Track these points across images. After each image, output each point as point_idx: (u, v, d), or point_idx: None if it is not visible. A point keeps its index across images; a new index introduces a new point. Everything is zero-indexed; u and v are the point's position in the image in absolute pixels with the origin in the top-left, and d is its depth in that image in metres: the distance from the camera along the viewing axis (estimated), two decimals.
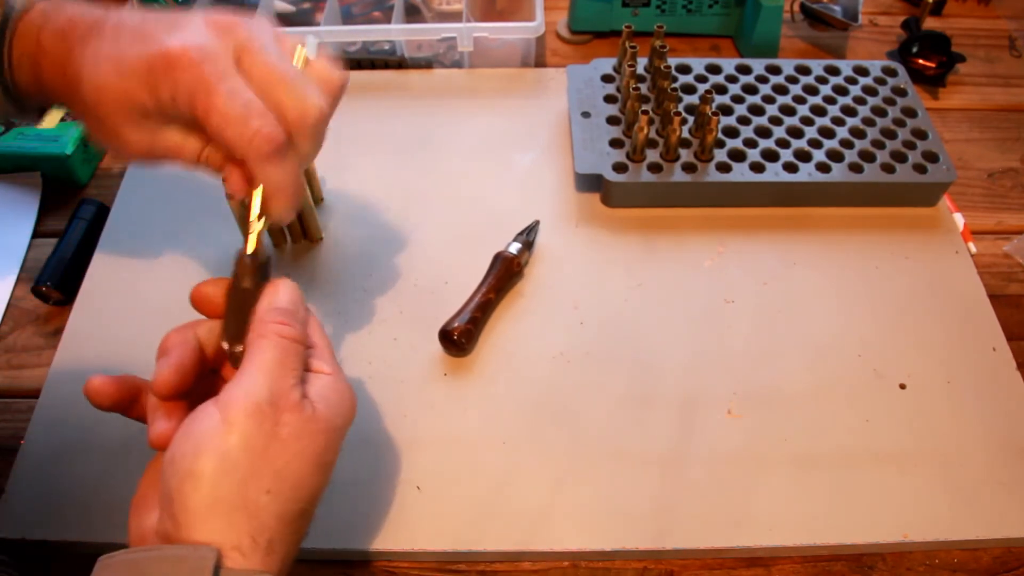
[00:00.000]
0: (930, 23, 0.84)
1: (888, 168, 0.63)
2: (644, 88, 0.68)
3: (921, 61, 0.78)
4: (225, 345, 0.38)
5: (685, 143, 0.63)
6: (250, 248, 0.38)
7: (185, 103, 0.37)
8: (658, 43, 0.67)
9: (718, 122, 0.61)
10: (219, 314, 0.39)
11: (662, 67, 0.65)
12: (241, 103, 0.36)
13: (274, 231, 0.60)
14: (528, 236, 0.60)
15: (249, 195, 0.39)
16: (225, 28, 0.38)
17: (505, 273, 0.57)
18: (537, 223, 0.61)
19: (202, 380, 0.39)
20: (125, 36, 0.38)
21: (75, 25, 0.39)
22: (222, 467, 0.32)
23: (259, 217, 0.38)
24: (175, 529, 0.32)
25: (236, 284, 0.38)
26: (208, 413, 0.33)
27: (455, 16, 0.81)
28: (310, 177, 0.59)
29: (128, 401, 0.38)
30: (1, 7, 0.40)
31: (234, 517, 0.32)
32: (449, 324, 0.54)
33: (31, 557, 0.47)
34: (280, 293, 0.37)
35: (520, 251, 0.58)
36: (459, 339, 0.53)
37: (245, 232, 0.39)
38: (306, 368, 0.37)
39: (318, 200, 0.61)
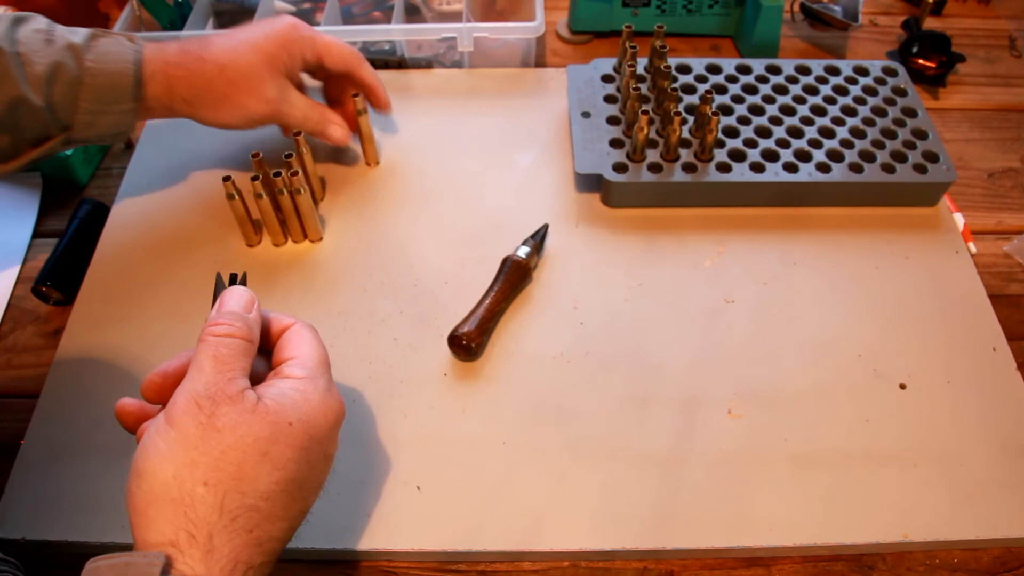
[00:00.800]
0: (930, 23, 0.84)
1: (888, 168, 0.63)
2: (644, 88, 0.68)
3: (921, 61, 0.78)
4: None
5: (685, 143, 0.63)
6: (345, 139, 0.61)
7: (310, 48, 0.58)
8: (658, 43, 0.67)
9: (718, 122, 0.61)
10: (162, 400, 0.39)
11: (662, 67, 0.65)
12: (335, 39, 0.61)
13: (274, 231, 0.60)
14: (537, 239, 0.59)
15: (351, 104, 0.62)
16: (296, 26, 0.59)
17: (516, 277, 0.57)
18: (546, 227, 0.61)
19: None
20: (236, 34, 0.56)
21: (187, 48, 0.55)
22: (159, 462, 0.33)
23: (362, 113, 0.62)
24: (133, 530, 0.33)
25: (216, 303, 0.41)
26: (157, 416, 0.35)
27: (455, 16, 0.81)
28: (305, 213, 0.60)
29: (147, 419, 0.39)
30: (131, 41, 0.54)
31: (169, 511, 0.32)
32: (459, 329, 0.54)
33: (31, 557, 0.47)
34: (226, 300, 0.39)
35: (529, 255, 0.58)
36: (470, 345, 0.53)
37: (360, 131, 0.64)
38: (277, 374, 0.38)
39: (316, 239, 0.62)
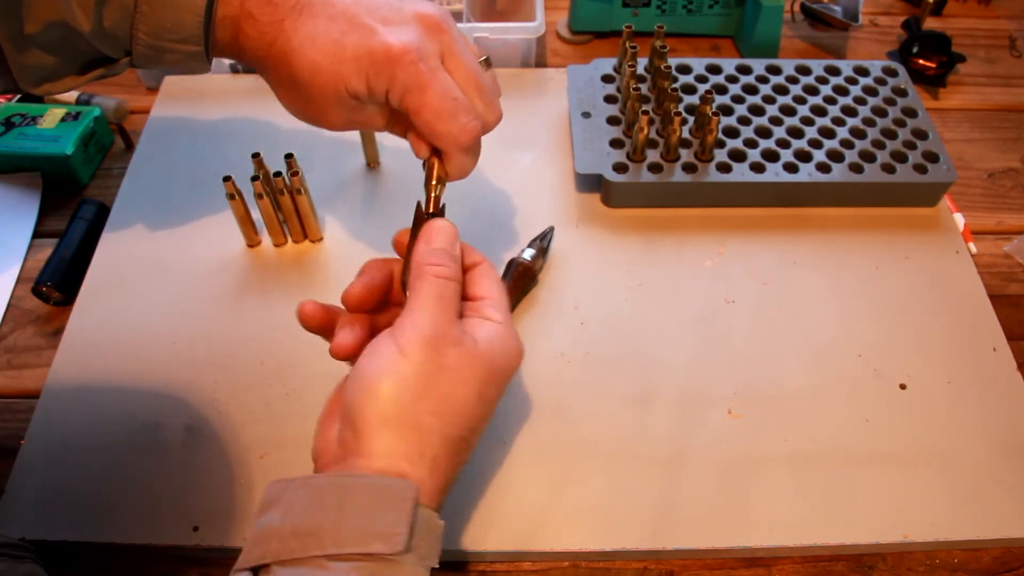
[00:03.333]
0: (930, 23, 0.84)
1: (888, 168, 0.63)
2: (644, 88, 0.68)
3: (921, 61, 0.78)
4: (404, 287, 0.41)
5: (685, 143, 0.63)
6: (430, 208, 0.44)
7: (397, 96, 0.41)
8: (658, 43, 0.67)
9: (718, 122, 0.61)
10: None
11: (662, 67, 0.65)
12: (451, 100, 0.41)
13: (274, 231, 0.60)
14: (543, 243, 0.59)
15: (432, 163, 0.45)
16: (435, 27, 0.42)
17: (522, 281, 0.57)
18: (551, 229, 0.61)
19: (387, 309, 0.44)
20: (340, 21, 0.41)
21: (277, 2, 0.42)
22: (396, 388, 0.36)
23: (438, 182, 0.45)
24: (354, 438, 0.36)
25: (413, 235, 0.42)
26: (386, 342, 0.37)
27: (455, 16, 0.81)
28: (305, 213, 0.60)
29: (329, 325, 0.42)
30: None
31: (404, 432, 0.36)
32: None
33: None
34: (434, 236, 0.41)
35: (535, 258, 0.58)
36: None
37: (427, 194, 0.45)
38: (476, 312, 0.40)
39: (316, 239, 0.62)
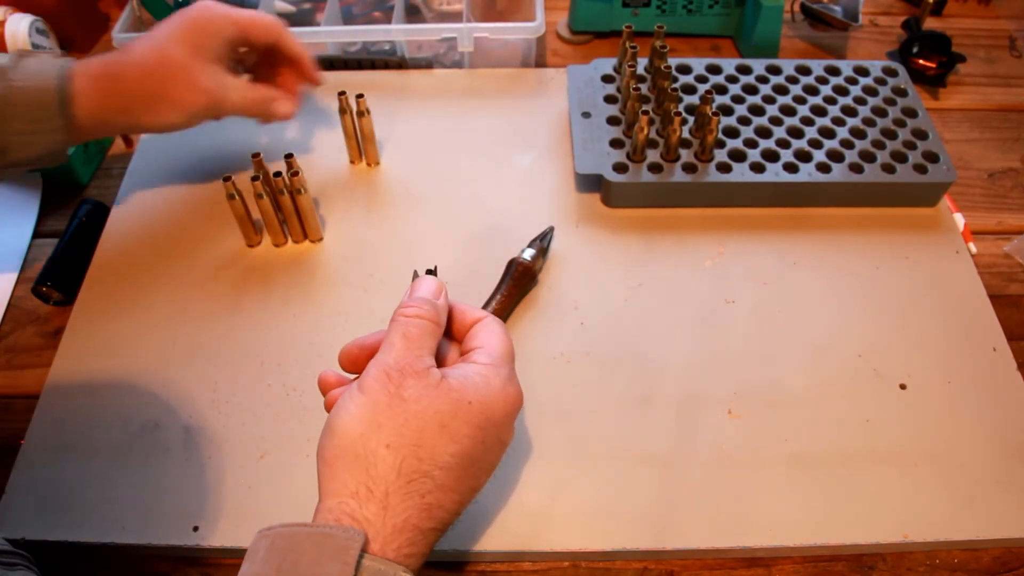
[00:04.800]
0: (930, 23, 0.84)
1: (888, 168, 0.63)
2: (644, 88, 0.68)
3: (921, 61, 0.78)
4: None
5: (685, 143, 0.63)
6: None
7: (230, 25, 0.55)
8: (658, 43, 0.67)
9: (718, 122, 0.61)
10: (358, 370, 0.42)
11: (662, 67, 0.65)
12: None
13: (274, 231, 0.60)
14: (543, 242, 0.59)
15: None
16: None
17: (523, 281, 0.57)
18: (551, 229, 0.61)
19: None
20: (157, 35, 0.54)
21: (108, 60, 0.53)
22: (349, 421, 0.36)
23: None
24: (319, 480, 0.36)
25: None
26: (351, 384, 0.38)
27: (455, 16, 0.81)
28: (305, 213, 0.60)
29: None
30: (58, 58, 0.53)
31: (353, 465, 0.35)
32: None
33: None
34: (418, 286, 0.42)
35: (535, 258, 0.58)
36: None
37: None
38: (464, 359, 0.41)
39: (316, 239, 0.62)
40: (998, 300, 0.59)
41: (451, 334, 0.43)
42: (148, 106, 0.54)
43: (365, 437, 0.35)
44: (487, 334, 0.41)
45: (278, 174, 0.56)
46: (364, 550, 0.33)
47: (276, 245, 0.61)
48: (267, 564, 0.33)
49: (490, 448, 0.38)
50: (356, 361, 0.41)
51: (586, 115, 0.67)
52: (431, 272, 0.45)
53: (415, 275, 0.45)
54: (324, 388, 0.42)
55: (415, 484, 0.35)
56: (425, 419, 0.36)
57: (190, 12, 0.55)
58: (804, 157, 0.63)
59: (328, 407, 0.40)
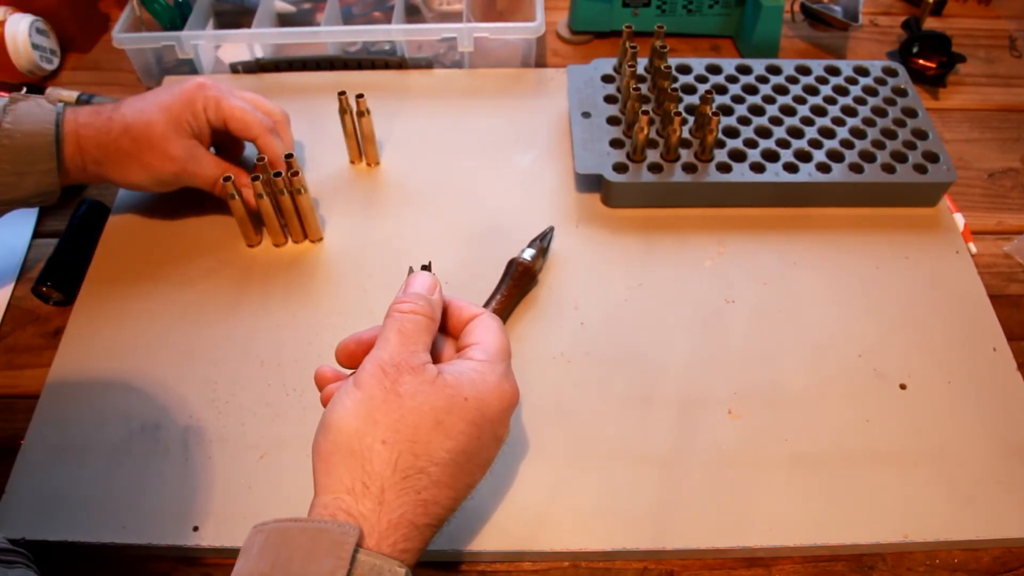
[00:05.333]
0: (930, 23, 0.84)
1: (888, 168, 0.63)
2: (644, 88, 0.68)
3: (921, 61, 0.78)
4: None
5: (685, 143, 0.63)
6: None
7: (212, 109, 0.57)
8: (658, 43, 0.67)
9: (718, 122, 0.61)
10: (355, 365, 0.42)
11: (662, 67, 0.65)
12: (246, 104, 0.59)
13: (274, 231, 0.60)
14: (543, 242, 0.59)
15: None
16: (203, 86, 0.57)
17: (523, 281, 0.57)
18: (551, 229, 0.61)
19: None
20: (146, 96, 0.57)
21: (100, 110, 0.56)
22: (344, 416, 0.36)
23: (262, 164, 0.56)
24: (314, 475, 0.36)
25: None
26: (347, 380, 0.38)
27: (455, 16, 0.81)
28: (305, 213, 0.60)
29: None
30: (51, 103, 0.55)
31: (348, 460, 0.35)
32: None
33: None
34: (412, 282, 0.42)
35: (535, 258, 0.58)
36: None
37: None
38: (460, 356, 0.40)
39: (316, 239, 0.62)
40: (998, 300, 0.59)
41: (447, 330, 0.43)
42: (119, 163, 0.55)
43: (361, 433, 0.35)
44: (483, 330, 0.41)
45: (278, 174, 0.56)
46: (359, 545, 0.33)
47: (276, 245, 0.61)
48: (262, 560, 0.33)
49: (486, 444, 0.38)
50: (353, 356, 0.41)
51: (586, 115, 0.67)
52: (426, 268, 0.45)
53: (410, 271, 0.45)
54: (320, 383, 0.42)
55: (411, 480, 0.35)
56: (421, 415, 0.36)
57: (184, 87, 0.57)
58: (804, 157, 0.63)
59: (324, 402, 0.40)
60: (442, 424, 0.36)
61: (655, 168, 0.62)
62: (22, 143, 0.52)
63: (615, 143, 0.64)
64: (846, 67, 0.71)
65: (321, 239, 0.62)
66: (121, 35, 0.71)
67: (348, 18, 0.81)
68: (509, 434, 0.40)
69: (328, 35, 0.74)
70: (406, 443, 0.35)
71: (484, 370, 0.39)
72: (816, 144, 0.64)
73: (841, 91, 0.69)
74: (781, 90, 0.69)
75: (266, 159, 0.57)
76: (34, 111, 0.53)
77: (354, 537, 0.33)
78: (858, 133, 0.65)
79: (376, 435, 0.35)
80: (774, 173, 0.62)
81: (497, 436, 0.39)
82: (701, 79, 0.69)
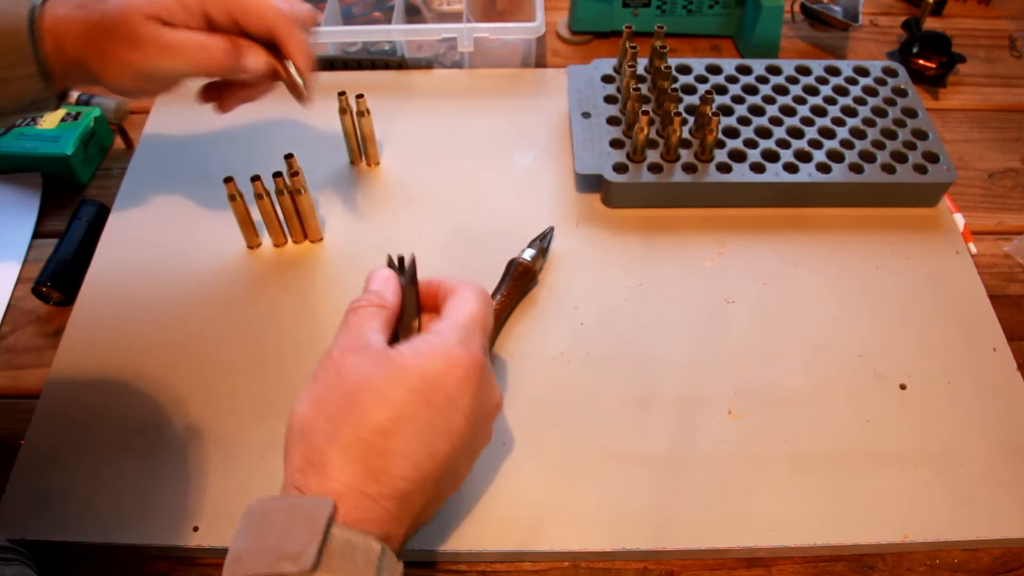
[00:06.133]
0: (930, 23, 0.84)
1: (888, 168, 0.63)
2: (644, 88, 0.68)
3: (921, 61, 0.78)
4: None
5: (685, 143, 0.63)
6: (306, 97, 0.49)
7: (222, 5, 0.46)
8: (658, 43, 0.67)
9: (718, 122, 0.61)
10: None
11: (662, 67, 0.65)
12: None
13: (274, 231, 0.60)
14: (543, 243, 0.59)
15: (279, 66, 0.48)
16: None
17: (523, 281, 0.57)
18: (552, 229, 0.61)
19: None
20: None
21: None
22: (298, 406, 0.38)
23: (289, 78, 0.49)
24: (284, 464, 0.37)
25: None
26: None
27: (455, 16, 0.81)
28: (305, 213, 0.60)
29: None
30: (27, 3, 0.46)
31: (299, 444, 0.37)
32: None
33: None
34: (367, 281, 0.44)
35: (535, 258, 0.58)
36: None
37: (295, 92, 0.49)
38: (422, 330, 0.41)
39: (316, 239, 0.62)
40: (998, 300, 0.59)
41: (438, 310, 0.43)
42: (100, 63, 0.47)
43: (309, 416, 0.37)
44: (455, 304, 0.42)
45: (278, 174, 0.56)
46: (332, 519, 0.33)
47: (276, 245, 0.61)
48: (246, 539, 0.34)
49: (441, 412, 0.37)
50: None
51: (586, 115, 0.67)
52: (402, 260, 0.45)
53: (388, 260, 0.45)
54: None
55: (352, 451, 0.35)
56: (359, 387, 0.37)
57: None
58: (804, 157, 0.63)
59: None
60: (380, 392, 0.36)
61: (655, 168, 0.62)
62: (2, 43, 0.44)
63: (615, 143, 0.64)
64: (846, 67, 0.71)
65: (321, 239, 0.62)
66: None
67: (348, 18, 0.81)
68: (497, 422, 0.41)
69: (328, 35, 0.74)
70: (346, 416, 0.36)
71: (435, 340, 0.39)
72: (816, 144, 0.64)
73: (841, 91, 0.69)
74: (781, 90, 0.69)
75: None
76: (5, 4, 0.45)
77: (327, 511, 0.33)
78: (858, 133, 0.65)
79: (320, 415, 0.36)
80: (774, 173, 0.62)
81: (455, 403, 0.38)
82: (701, 79, 0.69)
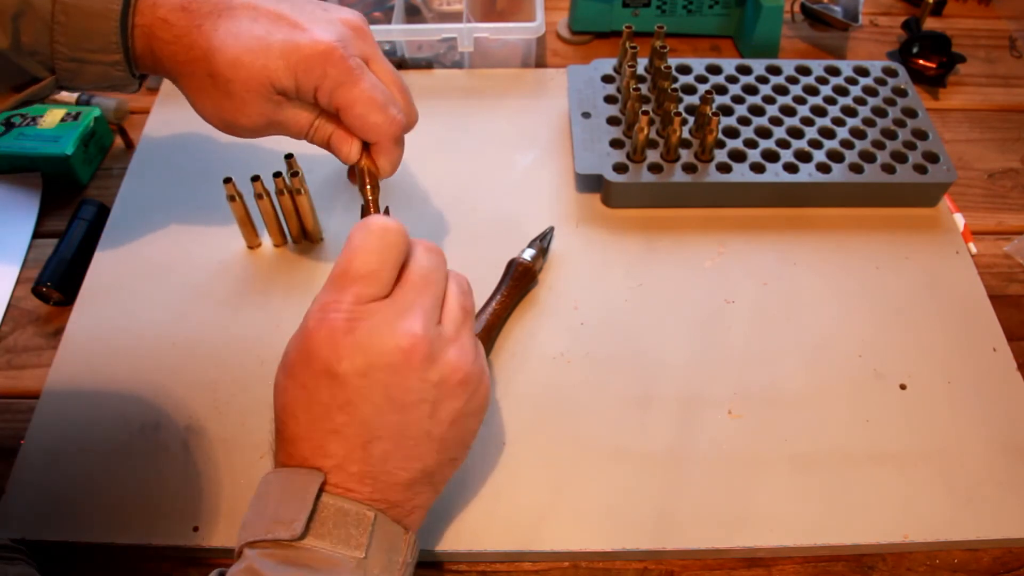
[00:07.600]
0: (930, 23, 0.84)
1: (888, 168, 0.63)
2: (644, 88, 0.68)
3: (921, 61, 0.78)
4: None
5: (685, 143, 0.63)
6: (371, 211, 0.47)
7: (327, 92, 0.43)
8: (658, 43, 0.67)
9: (718, 122, 0.61)
10: None
11: (662, 67, 0.65)
12: (381, 93, 0.44)
13: (274, 231, 0.60)
14: (543, 243, 0.59)
15: (363, 166, 0.47)
16: (358, 30, 0.45)
17: (523, 281, 0.57)
18: (551, 229, 0.61)
19: None
20: (264, 20, 0.43)
21: (199, 2, 0.43)
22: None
23: (372, 182, 0.47)
24: None
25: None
26: None
27: (455, 16, 0.81)
28: (305, 213, 0.60)
29: None
30: None
31: (275, 415, 0.39)
32: None
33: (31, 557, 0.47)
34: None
35: (535, 258, 0.58)
36: None
37: (365, 198, 0.47)
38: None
39: (316, 239, 0.62)
40: (998, 300, 0.59)
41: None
42: (193, 93, 0.45)
43: (278, 390, 0.39)
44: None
45: (278, 174, 0.56)
46: (323, 489, 0.35)
47: (276, 246, 0.61)
48: (252, 510, 0.37)
49: (370, 378, 0.36)
50: None
51: (586, 115, 0.67)
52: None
53: (364, 214, 0.45)
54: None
55: (315, 412, 0.37)
56: (311, 361, 0.37)
57: (312, 39, 0.42)
58: (804, 157, 0.63)
59: None
60: (286, 370, 0.38)
61: (655, 168, 0.62)
62: (80, 25, 0.42)
63: (615, 143, 0.64)
64: (846, 67, 0.71)
65: (321, 239, 0.62)
66: None
67: None
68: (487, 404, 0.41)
69: None
70: (300, 380, 0.37)
71: (386, 313, 0.37)
72: (816, 144, 0.64)
73: (841, 91, 0.69)
74: (781, 90, 0.69)
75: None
76: None
77: (317, 481, 0.35)
78: (858, 133, 0.65)
79: (283, 387, 0.38)
80: (774, 173, 0.62)
81: (369, 368, 0.36)
82: (701, 79, 0.69)
